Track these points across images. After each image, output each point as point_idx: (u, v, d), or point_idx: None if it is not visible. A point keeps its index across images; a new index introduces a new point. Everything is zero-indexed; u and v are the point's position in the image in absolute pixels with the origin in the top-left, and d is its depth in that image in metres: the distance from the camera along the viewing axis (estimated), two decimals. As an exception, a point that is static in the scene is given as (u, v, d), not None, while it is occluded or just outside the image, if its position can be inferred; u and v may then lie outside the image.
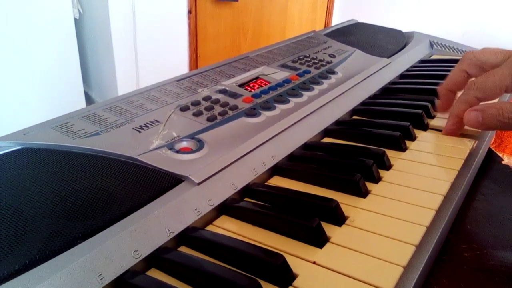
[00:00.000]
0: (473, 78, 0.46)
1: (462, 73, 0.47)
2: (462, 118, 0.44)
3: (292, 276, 0.27)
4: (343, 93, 0.54)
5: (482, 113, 0.41)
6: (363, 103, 0.56)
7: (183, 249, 0.31)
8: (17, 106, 1.60)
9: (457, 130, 0.47)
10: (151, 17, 1.92)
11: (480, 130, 0.48)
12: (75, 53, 1.76)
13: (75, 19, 1.75)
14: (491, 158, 0.51)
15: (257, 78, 0.55)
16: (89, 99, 2.03)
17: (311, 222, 0.30)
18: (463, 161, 0.42)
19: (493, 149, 0.54)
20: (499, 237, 0.37)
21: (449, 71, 0.66)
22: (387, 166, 0.41)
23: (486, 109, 0.41)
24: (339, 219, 0.33)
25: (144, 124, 0.42)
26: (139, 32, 1.90)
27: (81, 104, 1.83)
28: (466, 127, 0.46)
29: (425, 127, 0.50)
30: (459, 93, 0.47)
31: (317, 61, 0.63)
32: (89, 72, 2.07)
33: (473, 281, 0.32)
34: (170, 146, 0.38)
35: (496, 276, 0.33)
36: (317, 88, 0.54)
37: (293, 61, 0.62)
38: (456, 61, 0.72)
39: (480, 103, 0.43)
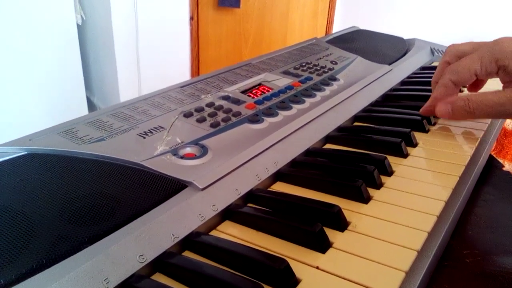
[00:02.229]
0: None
1: (445, 64, 0.50)
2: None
3: (295, 281, 0.28)
4: (345, 99, 0.55)
5: (452, 105, 0.45)
6: (364, 110, 0.56)
7: (188, 253, 0.31)
8: (19, 111, 1.61)
9: (433, 111, 0.49)
10: (153, 23, 1.94)
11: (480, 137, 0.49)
12: (78, 59, 1.77)
13: (77, 25, 1.76)
14: (492, 164, 0.51)
15: (259, 84, 0.56)
16: (91, 105, 2.04)
17: (314, 228, 0.31)
18: (464, 167, 0.42)
19: (494, 156, 0.54)
20: (501, 243, 0.37)
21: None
22: (389, 172, 0.41)
23: (456, 100, 0.45)
24: (342, 224, 0.33)
25: (149, 130, 0.42)
26: (141, 38, 1.91)
27: (83, 109, 1.83)
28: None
29: (426, 133, 0.50)
30: None
31: (319, 68, 0.63)
32: (91, 78, 2.08)
33: (474, 286, 0.32)
34: (174, 152, 0.39)
35: (497, 282, 0.33)
36: (319, 95, 0.54)
37: (295, 68, 0.63)
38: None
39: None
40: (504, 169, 0.51)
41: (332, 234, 0.32)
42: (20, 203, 0.31)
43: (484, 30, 2.29)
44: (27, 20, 1.54)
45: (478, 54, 0.44)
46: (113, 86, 1.95)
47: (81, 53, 1.79)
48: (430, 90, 0.61)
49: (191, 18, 2.09)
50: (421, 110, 0.51)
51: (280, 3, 2.57)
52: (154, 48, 1.98)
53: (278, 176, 0.41)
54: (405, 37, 0.87)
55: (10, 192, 0.32)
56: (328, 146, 0.49)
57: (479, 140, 0.48)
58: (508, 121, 0.76)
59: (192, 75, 2.19)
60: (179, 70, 2.13)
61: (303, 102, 0.52)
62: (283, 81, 0.58)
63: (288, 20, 2.67)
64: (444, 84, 0.47)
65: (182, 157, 0.38)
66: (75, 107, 1.77)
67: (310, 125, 0.48)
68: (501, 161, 0.54)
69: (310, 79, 0.59)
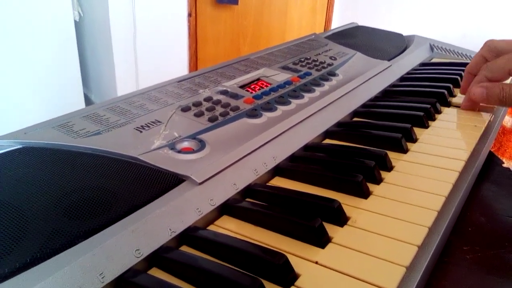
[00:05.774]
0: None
1: (481, 57, 0.54)
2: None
3: (294, 276, 0.27)
4: (344, 95, 0.54)
5: (487, 89, 0.48)
6: (364, 105, 0.56)
7: (185, 248, 0.31)
8: (17, 108, 1.60)
9: (471, 106, 0.55)
10: (151, 19, 1.93)
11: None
12: (75, 55, 1.76)
13: (75, 21, 1.75)
14: (491, 160, 0.51)
15: (258, 79, 0.55)
16: (88, 101, 2.03)
17: (313, 222, 0.30)
18: (464, 163, 0.42)
19: (494, 152, 0.54)
20: (501, 239, 0.37)
21: (449, 74, 0.66)
22: (389, 168, 0.41)
23: (490, 86, 0.48)
24: (341, 219, 0.33)
25: (146, 124, 0.42)
26: (139, 34, 1.90)
27: (80, 106, 1.82)
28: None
29: (426, 129, 0.50)
30: None
31: (318, 63, 0.63)
32: (89, 74, 2.07)
33: (474, 283, 0.32)
34: (172, 146, 0.38)
35: (497, 278, 0.32)
36: (318, 90, 0.54)
37: (294, 63, 0.62)
38: (456, 64, 0.73)
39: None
40: (503, 165, 0.51)
41: (331, 229, 0.32)
42: (14, 196, 0.31)
43: (482, 27, 2.28)
44: (24, 16, 1.53)
45: None
46: (110, 83, 1.94)
47: (79, 50, 1.78)
48: (430, 86, 0.61)
49: (189, 15, 2.08)
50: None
51: (279, 0, 2.56)
52: (152, 45, 1.97)
53: (277, 171, 0.41)
54: (404, 34, 0.86)
55: (4, 185, 0.32)
56: (327, 141, 0.48)
57: (479, 136, 0.48)
58: (506, 119, 0.76)
59: (190, 72, 2.18)
60: (177, 67, 2.12)
61: (302, 97, 0.51)
62: (282, 76, 0.57)
63: (287, 17, 2.67)
64: (479, 80, 0.51)
65: (179, 151, 0.38)
66: (73, 104, 1.76)
67: (309, 120, 0.47)
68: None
69: (309, 74, 0.58)
